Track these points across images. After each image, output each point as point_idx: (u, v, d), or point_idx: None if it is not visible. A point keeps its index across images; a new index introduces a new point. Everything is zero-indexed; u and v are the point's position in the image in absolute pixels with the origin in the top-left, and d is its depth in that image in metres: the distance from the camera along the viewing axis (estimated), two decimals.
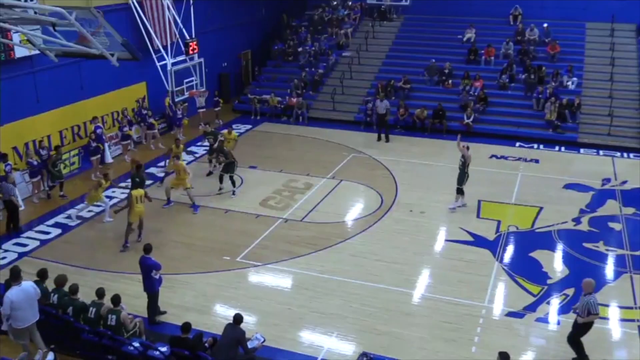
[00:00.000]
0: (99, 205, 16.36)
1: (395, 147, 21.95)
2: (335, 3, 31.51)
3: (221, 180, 17.61)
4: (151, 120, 21.68)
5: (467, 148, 16.29)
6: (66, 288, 10.78)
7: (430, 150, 21.66)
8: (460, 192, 16.42)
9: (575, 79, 24.37)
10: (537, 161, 20.59)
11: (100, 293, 10.59)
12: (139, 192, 14.53)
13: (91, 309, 10.44)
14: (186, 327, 9.83)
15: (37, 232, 15.48)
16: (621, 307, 12.18)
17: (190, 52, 21.21)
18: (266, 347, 10.62)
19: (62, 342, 10.42)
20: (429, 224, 15.64)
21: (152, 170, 19.72)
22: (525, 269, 13.49)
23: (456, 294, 12.55)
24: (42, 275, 10.85)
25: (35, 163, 17.15)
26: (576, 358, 10.45)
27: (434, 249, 14.61)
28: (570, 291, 12.59)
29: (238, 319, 9.88)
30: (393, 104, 23.28)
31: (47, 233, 15.43)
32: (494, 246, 14.56)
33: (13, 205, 15.58)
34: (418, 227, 15.30)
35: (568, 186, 18.23)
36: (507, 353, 8.98)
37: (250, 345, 9.89)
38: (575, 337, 10.40)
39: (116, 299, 10.38)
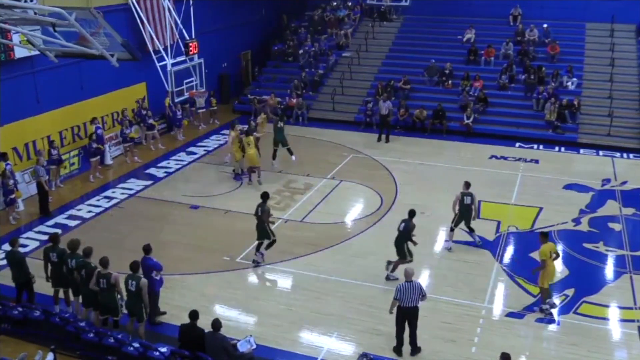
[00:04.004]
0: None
1: (395, 148, 21.93)
2: (335, 3, 31.50)
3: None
4: (151, 120, 21.65)
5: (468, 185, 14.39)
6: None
7: (430, 151, 21.66)
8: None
9: (575, 79, 24.37)
10: (537, 161, 20.58)
11: (104, 262, 10.64)
12: (249, 139, 17.99)
13: (101, 280, 10.51)
14: (194, 314, 9.78)
15: (36, 232, 15.48)
16: (621, 308, 12.19)
17: (190, 52, 21.21)
18: (266, 347, 10.64)
19: (62, 342, 10.42)
20: (428, 224, 15.61)
21: (151, 170, 19.75)
22: (525, 270, 13.45)
23: (456, 295, 12.56)
24: (54, 240, 11.40)
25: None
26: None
27: (434, 249, 14.61)
28: (570, 291, 12.60)
29: (217, 325, 9.61)
30: (393, 104, 23.27)
31: (47, 234, 15.32)
32: (493, 246, 14.57)
33: (42, 188, 16.01)
34: (418, 227, 15.18)
35: (568, 186, 18.23)
36: (508, 354, 8.98)
37: (240, 347, 9.73)
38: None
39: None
